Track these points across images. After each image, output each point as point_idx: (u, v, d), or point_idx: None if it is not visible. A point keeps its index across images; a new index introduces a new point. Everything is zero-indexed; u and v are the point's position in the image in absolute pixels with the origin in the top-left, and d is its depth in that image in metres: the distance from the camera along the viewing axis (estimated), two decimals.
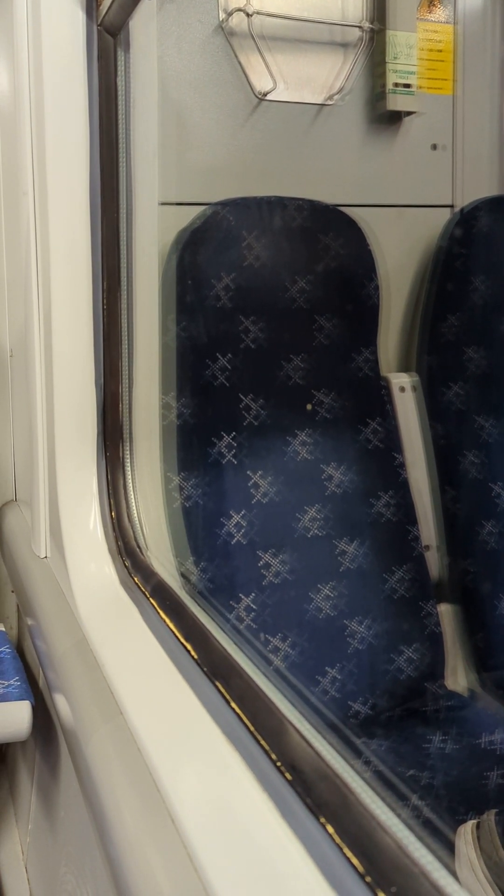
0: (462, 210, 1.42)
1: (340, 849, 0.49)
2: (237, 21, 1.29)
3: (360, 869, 0.48)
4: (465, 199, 1.46)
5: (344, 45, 1.37)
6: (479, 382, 1.40)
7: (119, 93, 0.98)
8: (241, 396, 1.23)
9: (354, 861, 0.48)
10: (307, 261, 1.26)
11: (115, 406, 1.04)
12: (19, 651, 1.26)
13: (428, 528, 1.39)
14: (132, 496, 1.06)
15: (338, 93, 1.38)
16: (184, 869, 0.54)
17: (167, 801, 0.60)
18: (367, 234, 1.32)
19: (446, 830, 0.85)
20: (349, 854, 0.49)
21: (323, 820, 0.52)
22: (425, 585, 1.30)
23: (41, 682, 1.13)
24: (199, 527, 1.19)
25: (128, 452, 1.07)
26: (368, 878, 0.47)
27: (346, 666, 1.21)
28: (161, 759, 0.65)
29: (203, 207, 1.22)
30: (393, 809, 0.52)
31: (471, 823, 0.86)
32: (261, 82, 1.33)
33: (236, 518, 1.19)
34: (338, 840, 0.50)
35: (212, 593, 1.16)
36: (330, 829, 0.51)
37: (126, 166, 1.00)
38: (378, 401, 1.33)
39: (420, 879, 0.45)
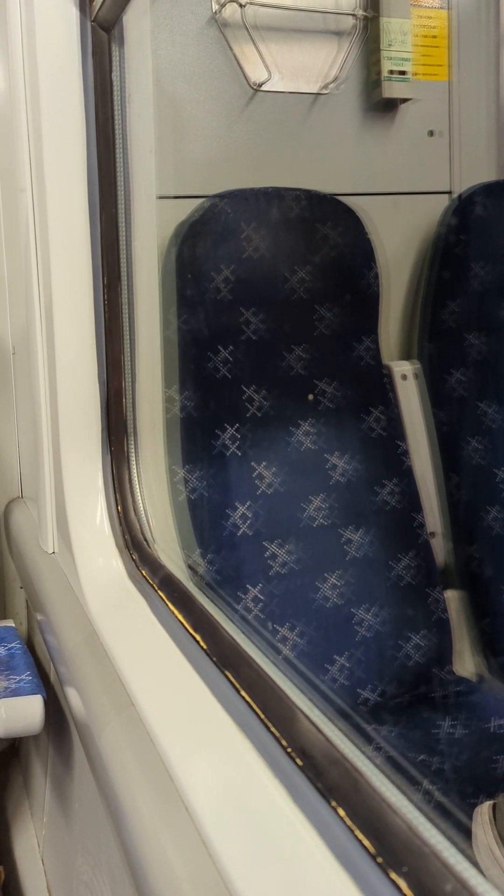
0: (460, 196, 1.42)
1: (352, 831, 0.50)
2: (230, 12, 1.29)
3: (372, 850, 0.48)
4: (462, 185, 1.46)
5: (338, 34, 1.37)
6: (481, 368, 1.40)
7: (114, 88, 0.98)
8: (244, 388, 1.23)
9: (366, 842, 0.49)
10: (306, 251, 1.26)
11: (118, 401, 1.05)
12: (29, 646, 1.27)
13: (433, 514, 1.39)
14: (138, 490, 1.07)
15: (333, 82, 1.37)
16: (199, 855, 0.54)
17: (180, 789, 0.61)
18: (365, 222, 1.32)
19: (457, 812, 0.86)
20: (360, 836, 0.49)
21: (334, 803, 0.53)
22: (431, 572, 1.31)
23: (52, 677, 1.14)
24: (205, 519, 1.19)
25: (132, 447, 1.07)
26: (380, 859, 0.47)
27: (355, 654, 1.22)
28: (173, 748, 0.66)
29: (201, 200, 1.22)
30: (403, 792, 0.53)
31: (486, 805, 0.87)
32: (255, 73, 1.32)
33: (242, 509, 1.20)
34: (349, 822, 0.51)
35: (219, 584, 1.17)
36: (341, 812, 0.52)
37: (123, 161, 1.00)
38: (380, 389, 1.33)
39: (431, 859, 0.46)
